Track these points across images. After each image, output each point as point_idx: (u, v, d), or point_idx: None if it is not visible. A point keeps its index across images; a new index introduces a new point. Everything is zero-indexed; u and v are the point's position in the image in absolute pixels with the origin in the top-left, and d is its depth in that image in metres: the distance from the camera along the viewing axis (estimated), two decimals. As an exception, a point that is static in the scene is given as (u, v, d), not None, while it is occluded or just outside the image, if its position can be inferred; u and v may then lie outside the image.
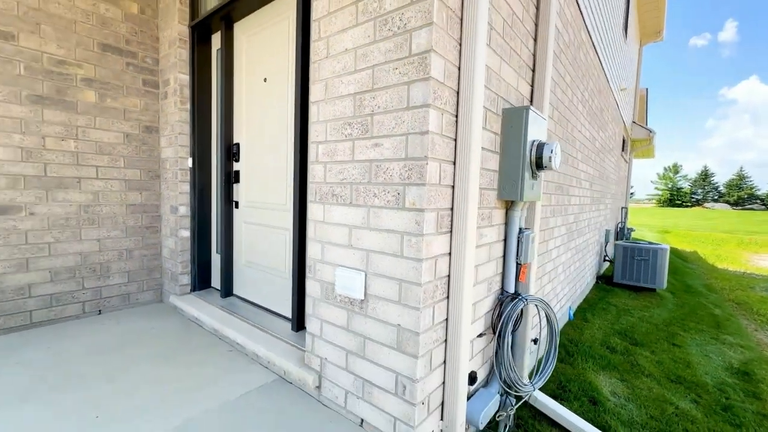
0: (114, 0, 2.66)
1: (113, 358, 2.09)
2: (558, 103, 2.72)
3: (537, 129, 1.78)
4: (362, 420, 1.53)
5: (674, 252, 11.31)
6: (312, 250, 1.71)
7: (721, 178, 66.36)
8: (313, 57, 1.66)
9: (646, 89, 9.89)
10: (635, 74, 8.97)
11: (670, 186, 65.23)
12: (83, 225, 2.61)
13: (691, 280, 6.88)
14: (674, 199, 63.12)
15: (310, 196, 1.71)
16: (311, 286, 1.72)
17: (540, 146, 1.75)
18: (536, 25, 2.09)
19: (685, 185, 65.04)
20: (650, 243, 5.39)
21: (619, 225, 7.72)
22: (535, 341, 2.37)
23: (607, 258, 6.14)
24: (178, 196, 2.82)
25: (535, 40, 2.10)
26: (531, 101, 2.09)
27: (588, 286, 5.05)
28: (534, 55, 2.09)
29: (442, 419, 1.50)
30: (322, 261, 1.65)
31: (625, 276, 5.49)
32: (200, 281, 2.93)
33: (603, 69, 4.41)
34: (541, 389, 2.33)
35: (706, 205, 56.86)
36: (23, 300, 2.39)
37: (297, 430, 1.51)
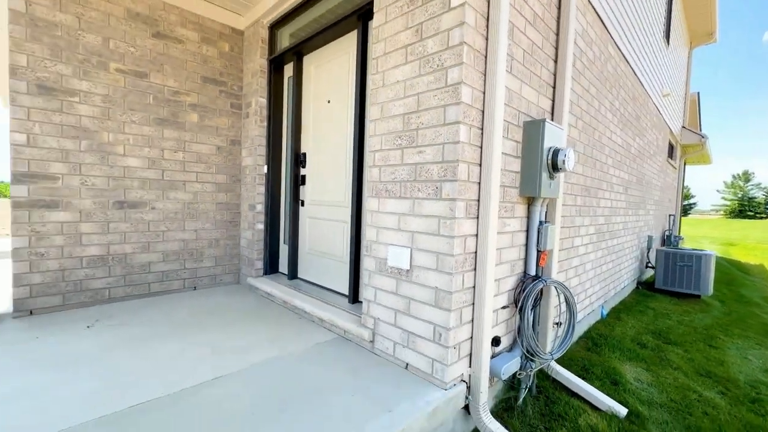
0: (212, 42, 3.39)
1: (212, 318, 2.71)
2: (582, 114, 3.03)
3: (554, 138, 2.16)
4: (407, 364, 1.97)
5: (735, 264, 10.57)
6: (368, 234, 2.20)
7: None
8: (371, 86, 2.18)
9: (698, 93, 9.51)
10: (684, 78, 8.72)
11: (740, 195, 59.09)
12: (186, 218, 3.32)
13: (747, 291, 6.56)
14: (745, 209, 57.04)
15: (367, 192, 2.21)
16: (367, 262, 2.21)
17: (555, 152, 2.12)
18: (556, 48, 2.47)
19: (759, 194, 58.58)
20: (694, 249, 5.32)
21: (666, 232, 7.51)
22: (558, 324, 2.68)
23: (650, 264, 6.08)
24: (255, 196, 3.47)
25: (555, 61, 2.47)
26: (552, 115, 2.46)
27: (626, 290, 5.11)
28: (554, 75, 2.46)
29: (470, 366, 1.91)
30: (377, 242, 2.14)
31: (667, 282, 5.46)
32: (270, 267, 3.55)
33: (638, 77, 4.57)
34: (565, 371, 2.62)
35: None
36: (145, 274, 3.11)
37: (357, 369, 1.98)
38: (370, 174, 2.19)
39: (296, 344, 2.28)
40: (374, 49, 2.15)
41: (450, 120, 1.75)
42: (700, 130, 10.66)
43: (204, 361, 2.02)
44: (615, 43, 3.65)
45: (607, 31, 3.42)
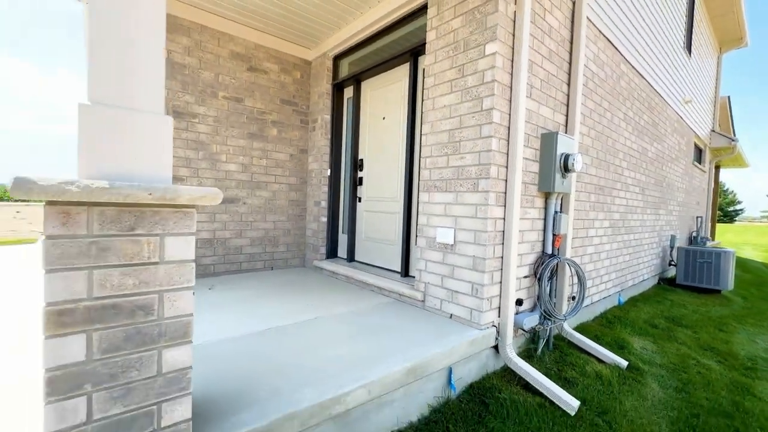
0: (288, 71, 4.25)
1: (295, 288, 3.50)
2: (595, 124, 3.62)
3: (565, 145, 2.79)
4: (451, 314, 2.65)
5: (773, 269, 10.38)
6: (420, 220, 2.91)
7: None
8: (423, 108, 2.90)
9: (728, 97, 9.59)
10: (713, 84, 8.89)
11: (793, 201, 54.94)
12: (267, 212, 4.17)
13: (779, 292, 6.70)
14: (800, 216, 52.96)
15: (421, 188, 2.93)
16: (420, 241, 2.92)
17: (566, 156, 2.75)
18: (569, 74, 3.10)
19: (816, 200, 54.27)
20: (713, 248, 5.64)
21: (693, 233, 7.72)
22: (573, 298, 3.27)
23: (672, 263, 6.40)
24: (320, 194, 4.27)
25: (569, 84, 3.10)
26: (566, 128, 3.08)
27: (645, 283, 5.51)
28: (567, 96, 3.09)
29: (499, 316, 2.56)
30: (427, 225, 2.84)
31: (687, 278, 5.79)
32: (331, 252, 4.33)
33: (654, 88, 5.04)
34: (577, 333, 3.20)
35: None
36: (237, 255, 3.97)
37: (414, 317, 2.68)
38: (421, 174, 2.90)
39: (364, 303, 3.01)
40: (426, 82, 2.88)
41: (484, 135, 2.43)
42: (733, 133, 10.63)
43: (303, 310, 2.79)
44: (627, 61, 4.20)
45: (619, 52, 3.98)
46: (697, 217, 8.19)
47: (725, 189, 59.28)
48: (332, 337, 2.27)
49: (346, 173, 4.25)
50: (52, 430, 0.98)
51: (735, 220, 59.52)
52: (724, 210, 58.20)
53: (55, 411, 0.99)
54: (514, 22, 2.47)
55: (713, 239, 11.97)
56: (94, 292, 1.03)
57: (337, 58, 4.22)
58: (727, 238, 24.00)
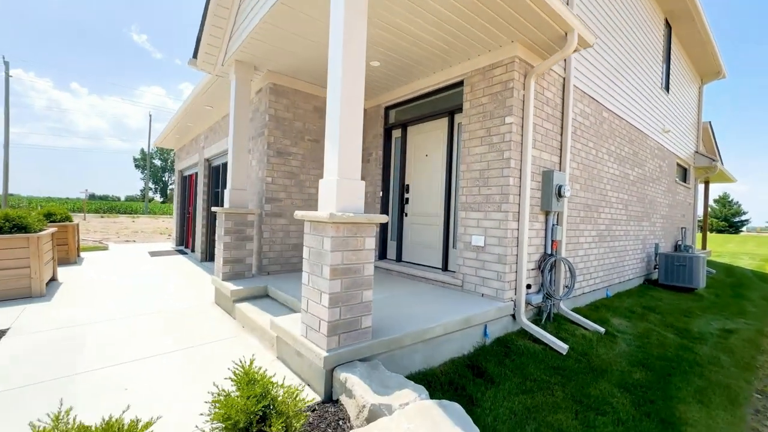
0: (350, 118, 5.62)
1: (363, 279, 4.78)
2: (582, 160, 4.92)
3: (559, 178, 4.09)
4: (482, 294, 3.92)
5: (759, 275, 11.46)
6: (459, 230, 4.21)
7: None
8: (460, 154, 4.23)
9: (709, 122, 10.85)
10: (695, 112, 10.17)
11: (798, 212, 55.28)
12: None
13: (749, 292, 7.84)
14: (806, 227, 53.25)
15: (459, 208, 4.23)
16: (458, 245, 4.21)
17: (560, 186, 4.06)
18: (561, 128, 4.42)
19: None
20: (686, 255, 6.84)
21: (678, 242, 8.91)
22: (566, 286, 4.52)
23: (656, 266, 7.60)
24: (374, 210, 5.59)
25: (561, 135, 4.42)
26: (560, 165, 4.39)
27: (631, 282, 6.72)
28: (560, 143, 4.41)
29: (515, 294, 3.83)
30: (465, 234, 4.14)
31: (667, 278, 6.99)
32: (381, 255, 5.63)
33: (633, 125, 6.34)
34: (570, 312, 4.45)
35: None
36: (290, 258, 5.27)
37: (455, 295, 3.95)
38: (459, 199, 4.21)
39: (418, 288, 4.29)
40: (462, 135, 4.21)
41: (504, 175, 3.75)
42: (717, 154, 11.85)
43: (378, 291, 4.08)
44: (608, 109, 5.52)
45: (601, 104, 5.31)
46: (682, 228, 9.38)
47: (730, 200, 59.83)
48: (408, 303, 3.55)
49: (394, 195, 5.58)
50: (330, 320, 2.29)
51: (741, 231, 59.81)
52: (729, 220, 58.65)
53: (330, 313, 2.29)
54: (524, 101, 3.81)
55: (704, 248, 13.08)
56: (343, 261, 2.34)
57: (388, 108, 5.59)
58: (728, 248, 24.86)
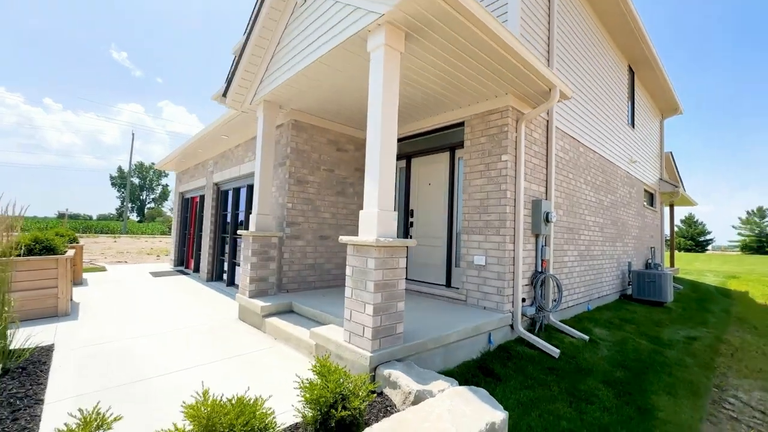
0: (359, 149, 6.24)
1: (374, 296, 5.27)
2: (564, 189, 5.67)
3: (546, 206, 4.79)
4: (484, 307, 4.49)
5: (722, 291, 12.53)
6: (462, 251, 4.81)
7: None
8: (462, 185, 4.89)
9: (671, 152, 12.11)
10: (657, 144, 11.38)
11: (756, 232, 59.35)
12: (346, 245, 6.00)
13: (712, 305, 8.73)
14: (763, 246, 57.11)
15: (462, 231, 4.84)
16: (462, 264, 4.80)
17: (547, 213, 4.75)
18: (546, 163, 5.16)
19: (776, 231, 58.80)
20: (655, 272, 7.67)
21: (648, 260, 9.82)
22: (555, 300, 5.15)
23: (630, 283, 8.39)
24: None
25: (546, 169, 5.16)
26: (546, 195, 5.11)
27: (608, 297, 7.45)
28: (546, 176, 5.14)
29: (512, 307, 4.42)
30: (468, 254, 4.74)
31: (640, 293, 7.77)
32: (388, 274, 6.15)
33: (604, 158, 7.24)
34: (559, 323, 5.07)
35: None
36: (328, 275, 5.75)
37: (462, 309, 4.50)
38: (462, 224, 4.83)
39: (425, 303, 4.82)
40: (464, 168, 4.88)
41: (502, 204, 4.41)
42: (679, 180, 13.12)
43: (393, 306, 4.57)
44: (584, 144, 6.36)
45: (578, 141, 6.14)
46: (651, 247, 10.33)
47: (695, 221, 63.53)
48: (423, 315, 4.07)
49: (399, 219, 6.17)
50: (374, 326, 2.80)
51: (706, 249, 63.28)
52: (696, 240, 62.11)
53: (374, 320, 2.81)
54: (516, 142, 4.53)
55: (672, 266, 14.18)
56: (383, 278, 2.88)
57: (393, 141, 6.25)
58: (695, 265, 26.48)
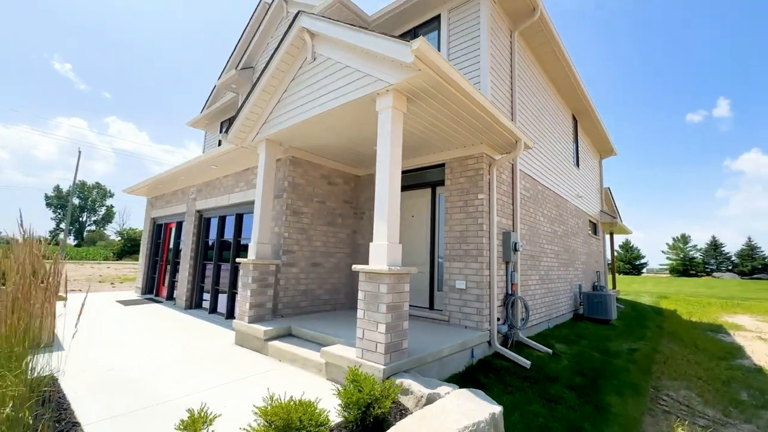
0: (347, 183, 6.81)
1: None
2: (526, 221, 6.59)
3: (514, 237, 5.62)
4: (465, 326, 5.11)
5: (656, 309, 14.24)
6: (444, 276, 5.44)
7: (735, 247, 67.59)
8: (443, 219, 5.59)
9: (608, 188, 13.95)
10: (598, 180, 13.10)
11: (681, 256, 66.59)
12: (334, 272, 6.42)
13: (648, 322, 10.02)
14: (688, 269, 64.05)
15: (444, 259, 5.50)
16: (444, 288, 5.42)
17: (515, 243, 5.57)
18: (512, 200, 6.05)
19: (697, 255, 66.34)
20: (601, 293, 8.81)
21: (594, 283, 11.10)
22: (523, 319, 5.90)
23: (581, 303, 9.49)
24: (367, 260, 6.64)
25: (513, 205, 6.03)
26: (513, 227, 5.96)
27: (564, 316, 8.41)
28: (513, 211, 6.01)
29: (489, 325, 5.07)
30: (450, 279, 5.38)
31: (590, 312, 8.83)
32: (373, 298, 6.61)
33: (557, 193, 8.39)
34: (528, 339, 5.80)
35: (714, 274, 57.67)
36: (318, 300, 6.10)
37: (446, 329, 5.07)
38: (444, 252, 5.50)
39: (413, 323, 5.33)
40: (445, 204, 5.61)
41: (479, 235, 5.15)
42: (617, 212, 15.01)
43: (386, 327, 5.05)
44: (541, 183, 7.42)
45: (537, 180, 7.18)
46: (597, 271, 11.69)
47: (631, 246, 70.14)
48: (414, 334, 4.58)
49: (383, 246, 6.73)
50: (386, 342, 3.29)
51: (642, 272, 69.66)
52: (632, 263, 68.34)
53: (386, 337, 3.30)
54: (489, 183, 5.35)
55: (614, 288, 15.86)
56: (393, 300, 3.40)
57: (379, 177, 6.90)
58: (633, 287, 29.26)
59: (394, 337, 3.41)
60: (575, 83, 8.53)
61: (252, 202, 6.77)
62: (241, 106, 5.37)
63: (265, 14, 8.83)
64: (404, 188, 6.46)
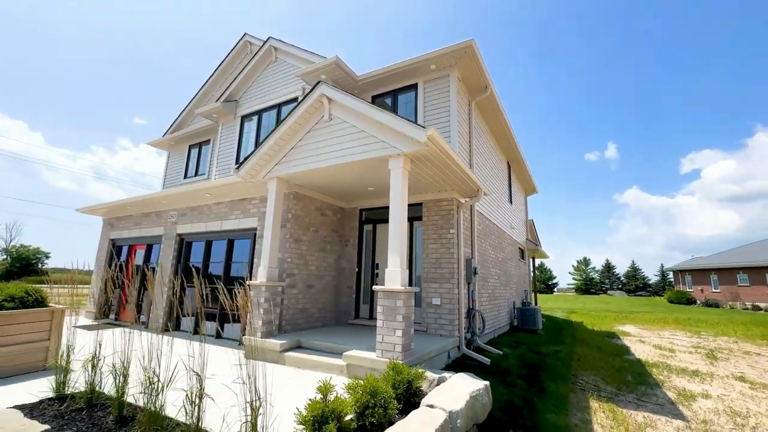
0: (336, 214, 7.87)
1: (347, 332, 6.70)
2: (480, 250, 8.27)
3: (473, 263, 7.18)
4: (440, 334, 6.41)
5: (568, 321, 17.15)
6: (423, 295, 6.75)
7: (624, 269, 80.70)
8: (421, 247, 6.95)
9: (532, 220, 16.80)
10: (524, 214, 15.78)
11: (584, 277, 77.02)
12: (323, 292, 7.33)
13: (565, 331, 12.38)
14: (589, 288, 74.18)
15: (423, 280, 6.81)
16: (423, 304, 6.71)
17: (475, 268, 7.13)
18: (471, 233, 7.67)
19: (596, 276, 77.29)
20: (531, 308, 10.87)
21: (524, 300, 13.33)
22: (480, 329, 7.41)
23: (515, 317, 11.48)
24: (351, 282, 7.68)
25: (471, 238, 7.65)
26: (472, 255, 7.55)
27: (504, 327, 10.22)
28: (471, 242, 7.62)
29: (459, 334, 6.45)
30: (427, 297, 6.69)
31: (522, 324, 10.80)
32: (356, 315, 7.61)
33: (497, 226, 10.36)
34: (484, 344, 7.31)
35: (609, 292, 67.80)
36: (311, 317, 6.95)
37: (426, 337, 6.30)
38: (422, 275, 6.82)
39: (399, 335, 6.49)
40: (422, 236, 6.99)
41: (451, 262, 6.59)
42: (538, 240, 17.97)
43: (365, 340, 6.12)
44: (488, 218, 9.26)
45: (485, 216, 8.98)
46: (525, 290, 14.01)
47: (545, 268, 79.31)
48: (407, 342, 5.75)
49: (366, 270, 7.84)
50: (402, 344, 4.44)
51: (554, 291, 78.85)
52: (546, 283, 77.15)
53: (402, 340, 4.46)
54: (457, 221, 6.88)
55: (536, 304, 18.66)
56: (406, 312, 4.58)
57: (363, 210, 8.09)
58: (548, 304, 33.50)
59: (406, 340, 4.57)
60: (512, 140, 10.77)
61: (246, 229, 7.47)
62: (256, 149, 6.23)
63: (253, 57, 9.68)
64: (384, 221, 7.73)
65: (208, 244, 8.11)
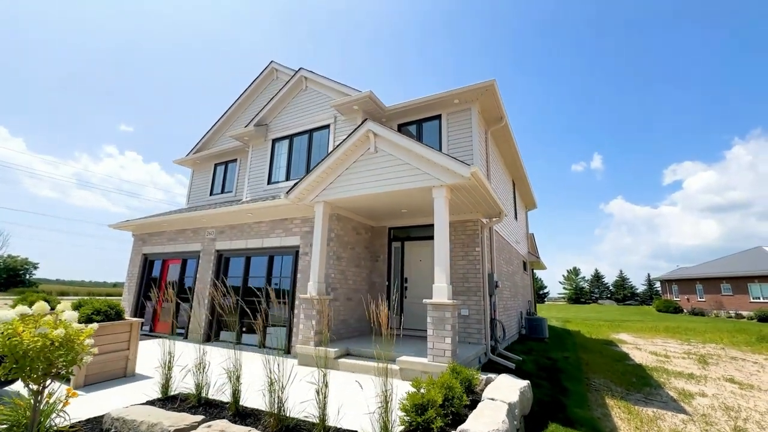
0: (368, 232, 8.62)
1: (381, 340, 7.42)
2: (497, 266, 9.10)
3: (495, 277, 7.99)
4: (470, 342, 7.17)
5: (565, 330, 18.06)
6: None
7: (612, 278, 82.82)
8: (451, 263, 7.76)
9: (532, 233, 17.79)
10: (525, 227, 16.76)
11: (574, 286, 78.69)
12: (358, 304, 8.04)
13: (567, 339, 13.23)
14: (579, 297, 75.78)
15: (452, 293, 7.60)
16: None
17: (496, 282, 7.94)
18: (490, 252, 8.50)
19: (585, 285, 79.04)
20: (538, 317, 11.71)
21: (529, 309, 14.18)
22: (501, 337, 8.19)
23: (524, 326, 12.30)
24: (382, 294, 8.41)
25: (491, 255, 8.48)
26: (492, 270, 8.37)
27: (515, 336, 11.02)
28: (491, 258, 8.45)
29: (485, 341, 7.22)
30: (457, 309, 7.47)
31: (531, 333, 11.62)
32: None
33: (508, 242, 11.24)
34: (506, 351, 8.09)
35: (600, 301, 69.44)
36: (349, 328, 7.63)
37: (457, 345, 7.07)
38: (450, 289, 7.60)
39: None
40: (451, 253, 7.78)
41: (477, 277, 7.39)
42: (537, 252, 18.96)
43: (402, 347, 6.84)
44: (501, 236, 10.12)
45: (500, 234, 9.84)
46: (528, 301, 14.88)
47: (537, 278, 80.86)
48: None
49: (395, 284, 8.58)
50: (451, 349, 5.19)
51: (545, 301, 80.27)
52: (538, 293, 78.54)
53: (451, 346, 5.21)
54: (482, 240, 7.70)
55: (537, 313, 19.56)
56: (453, 322, 5.35)
57: (390, 228, 8.86)
58: (542, 313, 34.39)
59: (453, 346, 5.32)
60: (519, 162, 11.75)
61: (289, 247, 8.16)
62: (305, 175, 6.99)
63: (285, 85, 10.48)
64: (411, 239, 8.54)
65: (248, 260, 8.75)
